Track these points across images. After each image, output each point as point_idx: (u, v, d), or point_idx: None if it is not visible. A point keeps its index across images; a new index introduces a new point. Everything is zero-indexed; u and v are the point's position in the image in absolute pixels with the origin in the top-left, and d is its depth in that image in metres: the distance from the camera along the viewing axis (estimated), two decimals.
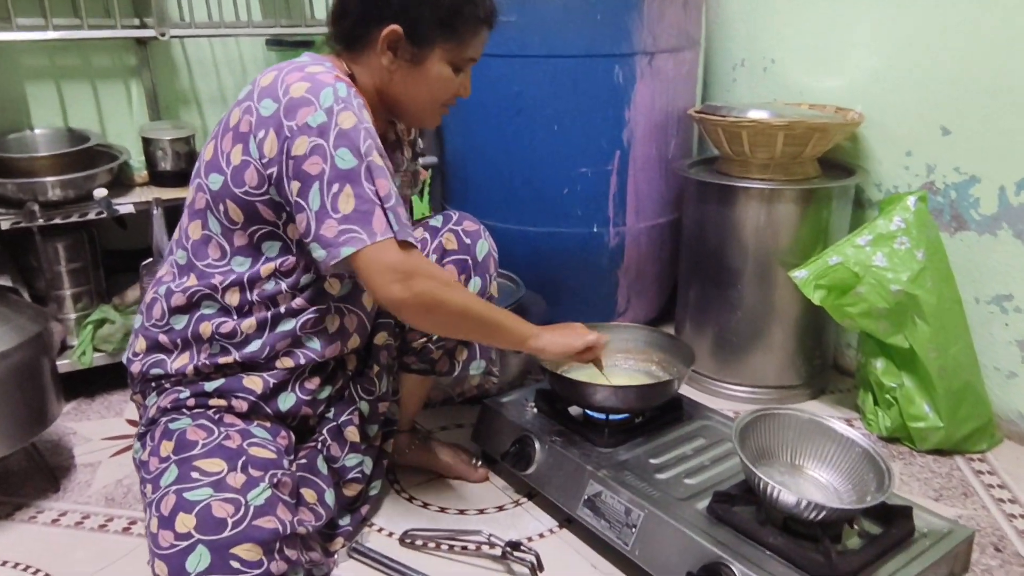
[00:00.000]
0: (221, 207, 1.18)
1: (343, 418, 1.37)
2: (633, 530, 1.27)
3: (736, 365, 1.89)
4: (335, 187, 1.09)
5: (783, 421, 1.33)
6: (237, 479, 1.11)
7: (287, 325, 1.25)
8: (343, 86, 1.13)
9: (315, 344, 1.28)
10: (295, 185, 1.11)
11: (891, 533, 1.19)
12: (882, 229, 1.63)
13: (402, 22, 1.18)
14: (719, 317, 1.88)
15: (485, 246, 1.44)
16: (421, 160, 2.11)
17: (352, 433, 1.37)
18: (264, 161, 1.13)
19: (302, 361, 1.28)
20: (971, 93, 1.64)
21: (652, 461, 1.40)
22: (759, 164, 1.76)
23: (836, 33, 1.88)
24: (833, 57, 1.90)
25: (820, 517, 1.13)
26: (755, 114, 1.73)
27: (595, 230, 2.00)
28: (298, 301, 1.24)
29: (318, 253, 1.11)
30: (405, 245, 1.13)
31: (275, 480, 1.14)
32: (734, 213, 1.78)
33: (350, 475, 1.37)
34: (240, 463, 1.13)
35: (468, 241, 1.42)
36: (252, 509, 1.08)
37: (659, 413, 1.52)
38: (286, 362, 1.27)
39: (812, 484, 1.29)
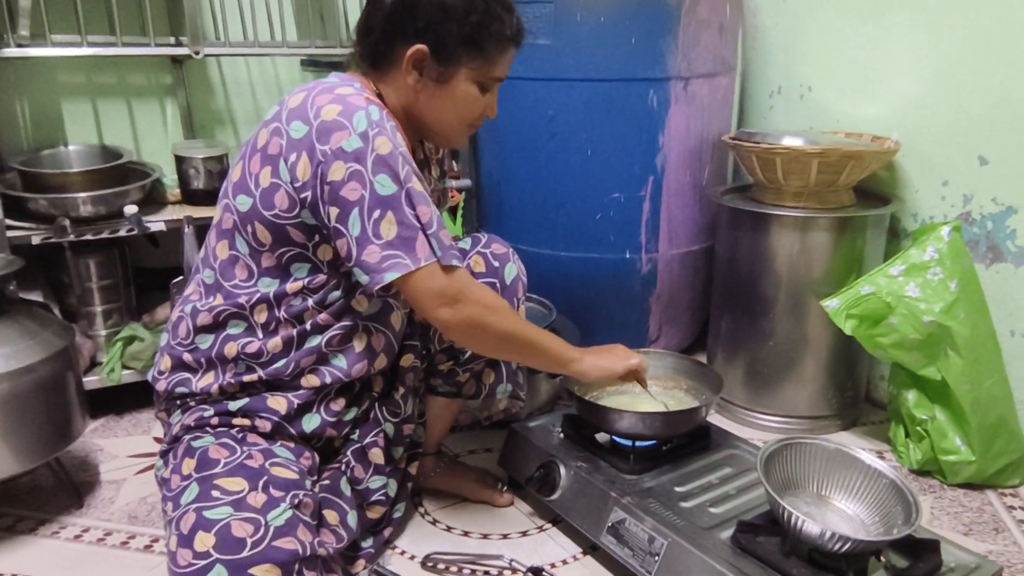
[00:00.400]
0: (249, 228, 1.19)
1: (368, 440, 1.36)
2: (656, 559, 1.25)
3: (767, 395, 1.86)
4: (376, 213, 1.11)
5: (809, 451, 1.30)
6: (258, 499, 1.10)
7: (313, 341, 1.25)
8: (375, 109, 1.13)
9: (341, 362, 1.28)
10: (333, 211, 1.12)
11: (918, 567, 1.16)
12: (915, 259, 1.60)
13: (427, 40, 1.18)
14: (751, 346, 1.86)
15: (514, 269, 1.44)
16: (455, 183, 2.14)
17: (376, 455, 1.36)
18: (296, 185, 1.13)
19: (328, 380, 1.27)
20: (1010, 122, 1.62)
21: (677, 489, 1.38)
22: (793, 192, 1.75)
23: (874, 61, 1.86)
24: (871, 85, 1.88)
25: (845, 549, 1.11)
26: (789, 141, 1.71)
27: (627, 256, 1.99)
28: (324, 316, 1.24)
29: (362, 278, 1.14)
30: (449, 269, 1.15)
31: (296, 501, 1.14)
32: (767, 241, 1.76)
33: (374, 497, 1.36)
34: (261, 483, 1.13)
35: (496, 264, 1.42)
36: (272, 529, 1.07)
37: (686, 441, 1.50)
38: (311, 380, 1.27)
39: (838, 515, 1.26)
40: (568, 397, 1.57)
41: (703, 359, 2.12)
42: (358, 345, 1.29)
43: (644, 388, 1.46)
